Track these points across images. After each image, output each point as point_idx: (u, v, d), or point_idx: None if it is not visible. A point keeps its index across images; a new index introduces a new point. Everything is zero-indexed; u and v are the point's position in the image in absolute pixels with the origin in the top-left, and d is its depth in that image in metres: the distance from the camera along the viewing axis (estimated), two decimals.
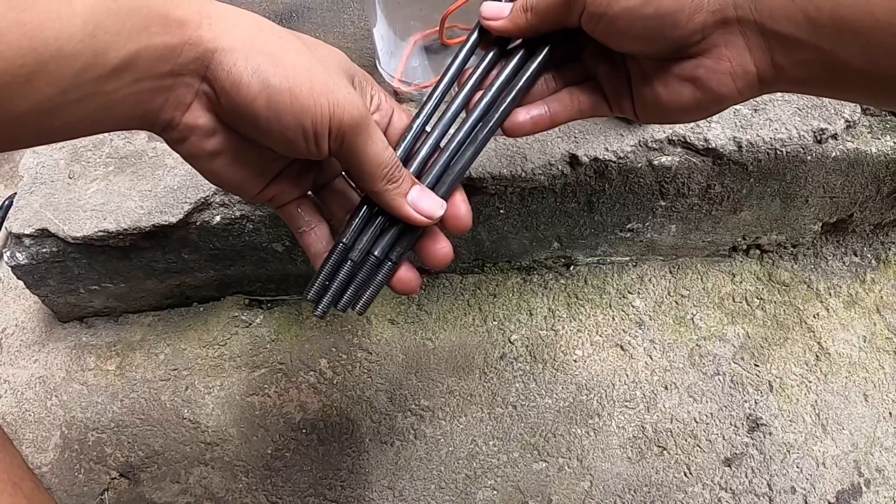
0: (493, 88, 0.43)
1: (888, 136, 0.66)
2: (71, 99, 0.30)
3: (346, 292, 0.43)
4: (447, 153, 0.42)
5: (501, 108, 0.42)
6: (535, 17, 0.39)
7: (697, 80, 0.37)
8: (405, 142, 0.42)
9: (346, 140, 0.36)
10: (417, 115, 0.43)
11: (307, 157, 0.37)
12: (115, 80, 0.31)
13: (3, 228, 0.82)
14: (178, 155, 0.37)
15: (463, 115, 0.44)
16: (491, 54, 0.43)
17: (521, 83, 0.42)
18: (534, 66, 0.42)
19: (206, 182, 0.65)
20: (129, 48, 0.31)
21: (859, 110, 0.66)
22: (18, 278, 0.69)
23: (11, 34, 0.28)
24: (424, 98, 0.44)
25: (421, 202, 0.40)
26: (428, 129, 0.43)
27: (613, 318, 0.72)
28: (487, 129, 0.43)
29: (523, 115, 0.43)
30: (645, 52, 0.38)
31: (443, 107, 0.44)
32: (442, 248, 0.43)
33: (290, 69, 0.34)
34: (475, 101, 0.43)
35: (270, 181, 0.40)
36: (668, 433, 0.66)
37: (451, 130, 0.43)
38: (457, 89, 0.44)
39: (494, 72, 0.43)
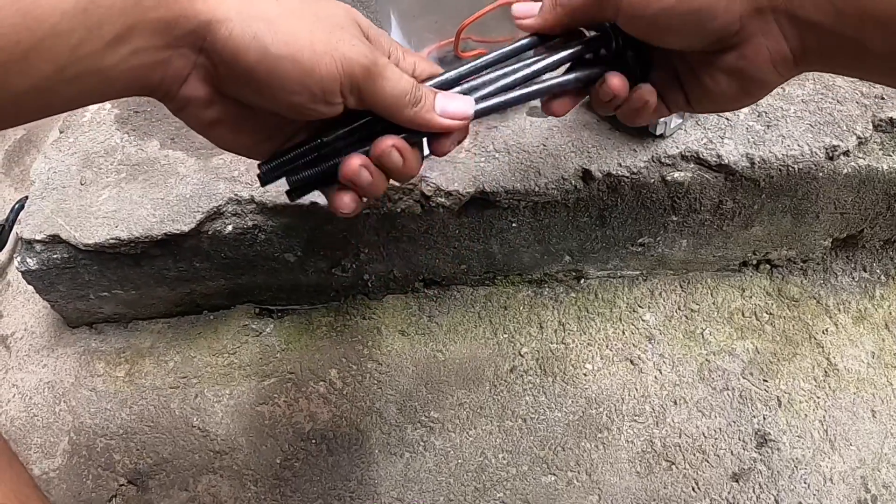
0: (540, 64, 0.43)
1: None
2: (69, 75, 0.31)
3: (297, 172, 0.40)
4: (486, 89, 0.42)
5: (546, 80, 0.43)
6: (565, 10, 0.40)
7: (741, 72, 0.38)
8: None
9: (363, 90, 0.36)
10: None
11: (320, 117, 0.37)
12: (111, 54, 0.31)
13: (13, 233, 0.81)
14: (183, 122, 0.38)
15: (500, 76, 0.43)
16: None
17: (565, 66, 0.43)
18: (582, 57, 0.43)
19: (219, 191, 0.65)
20: (123, 22, 0.31)
21: (871, 127, 0.66)
22: (28, 283, 0.69)
23: (5, 11, 0.28)
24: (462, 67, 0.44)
25: (449, 107, 0.40)
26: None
27: (623, 332, 0.72)
28: (531, 90, 0.43)
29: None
30: (686, 46, 0.38)
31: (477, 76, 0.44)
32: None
33: (289, 34, 0.33)
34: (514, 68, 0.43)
35: (268, 136, 0.40)
36: (677, 448, 0.66)
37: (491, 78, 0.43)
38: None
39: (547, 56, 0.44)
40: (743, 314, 0.74)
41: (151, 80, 0.33)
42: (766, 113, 0.66)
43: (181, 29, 0.32)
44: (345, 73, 0.34)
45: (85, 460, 0.68)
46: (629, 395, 0.69)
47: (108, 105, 0.77)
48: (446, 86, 0.42)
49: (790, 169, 0.64)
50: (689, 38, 0.37)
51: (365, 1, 0.79)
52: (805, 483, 0.65)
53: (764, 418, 0.68)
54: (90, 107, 0.77)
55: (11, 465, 0.37)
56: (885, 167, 0.66)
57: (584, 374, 0.70)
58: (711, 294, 0.75)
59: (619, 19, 0.38)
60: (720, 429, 0.67)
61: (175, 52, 0.33)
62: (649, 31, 0.38)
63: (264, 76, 0.33)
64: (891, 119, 0.67)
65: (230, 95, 0.36)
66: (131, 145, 0.72)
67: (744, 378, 0.70)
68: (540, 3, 0.42)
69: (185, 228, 0.64)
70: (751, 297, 0.75)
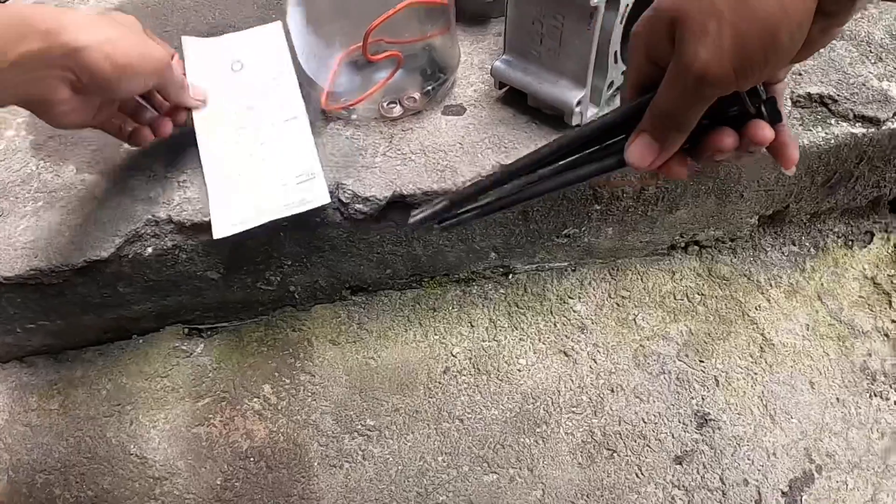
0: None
1: (819, 128, 0.66)
2: None
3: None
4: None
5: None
6: (682, 133, 0.37)
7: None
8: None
9: (162, 78, 0.57)
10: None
11: (136, 94, 0.59)
12: (11, 75, 0.46)
13: None
14: (44, 122, 0.53)
15: None
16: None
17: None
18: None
19: (136, 214, 0.64)
20: (18, 51, 0.46)
21: (789, 103, 0.67)
22: None
23: None
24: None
25: (195, 93, 0.65)
26: None
27: (555, 325, 0.72)
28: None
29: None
30: None
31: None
32: None
33: (126, 48, 0.51)
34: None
35: (95, 114, 0.58)
36: (617, 435, 0.66)
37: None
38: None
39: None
40: (674, 297, 0.74)
41: (34, 90, 0.49)
42: None
43: (55, 54, 0.47)
44: (155, 70, 0.55)
45: (25, 498, 0.66)
46: (565, 387, 0.69)
47: (22, 132, 0.75)
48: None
49: None
50: None
51: (273, 6, 0.78)
52: (749, 459, 0.65)
53: (703, 399, 0.68)
54: (5, 134, 0.76)
55: None
56: (806, 142, 0.66)
57: (519, 370, 0.70)
58: (641, 279, 0.75)
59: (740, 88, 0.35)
60: (659, 413, 0.67)
61: (51, 71, 0.48)
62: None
63: (115, 78, 0.51)
64: (808, 94, 0.68)
65: (83, 93, 0.51)
66: (47, 172, 0.70)
67: (679, 360, 0.70)
68: (648, 141, 0.38)
69: (105, 254, 0.63)
70: (681, 279, 0.75)
